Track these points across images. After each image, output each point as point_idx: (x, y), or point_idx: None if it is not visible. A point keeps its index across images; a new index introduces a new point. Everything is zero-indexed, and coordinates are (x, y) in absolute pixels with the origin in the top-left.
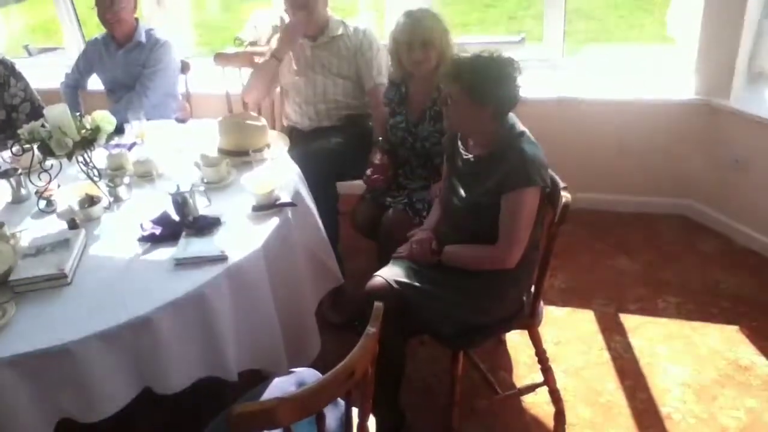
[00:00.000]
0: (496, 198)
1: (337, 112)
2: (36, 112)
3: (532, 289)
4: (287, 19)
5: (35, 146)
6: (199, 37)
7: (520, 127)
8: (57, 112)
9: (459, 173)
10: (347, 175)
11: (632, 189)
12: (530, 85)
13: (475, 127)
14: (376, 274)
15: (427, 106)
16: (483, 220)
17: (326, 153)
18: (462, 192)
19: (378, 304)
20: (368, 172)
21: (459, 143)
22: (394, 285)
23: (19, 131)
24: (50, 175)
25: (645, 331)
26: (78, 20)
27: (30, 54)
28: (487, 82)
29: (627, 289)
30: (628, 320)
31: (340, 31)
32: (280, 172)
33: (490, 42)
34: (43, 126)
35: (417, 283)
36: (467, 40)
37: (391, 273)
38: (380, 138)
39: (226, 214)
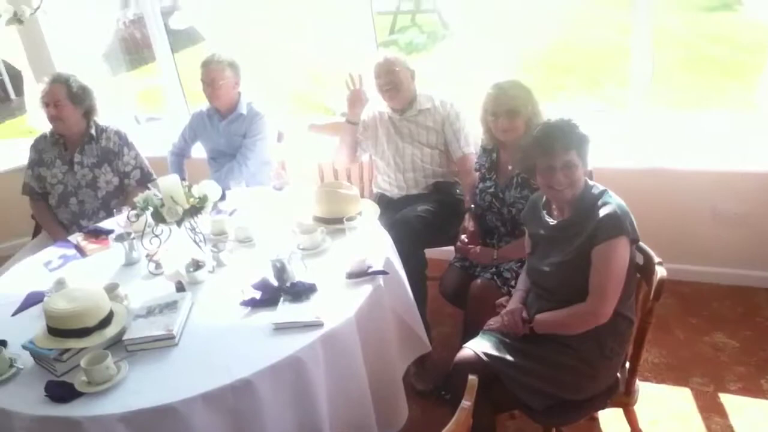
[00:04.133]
0: (586, 255)
1: (425, 180)
2: (145, 179)
3: (627, 365)
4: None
5: (148, 213)
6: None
7: (600, 186)
8: (169, 183)
9: (544, 240)
10: (435, 241)
11: (728, 261)
12: (615, 154)
13: (579, 188)
14: (465, 345)
15: (515, 173)
16: (573, 281)
17: (415, 220)
18: (549, 257)
19: (472, 377)
20: (463, 237)
21: (543, 211)
22: (484, 358)
23: (135, 199)
24: (160, 240)
25: (747, 413)
26: (182, 90)
27: (138, 123)
28: (586, 142)
29: (726, 367)
30: (729, 400)
31: (428, 105)
32: (372, 240)
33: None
34: (155, 195)
35: (508, 357)
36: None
37: (480, 345)
38: (472, 206)
39: (321, 280)
